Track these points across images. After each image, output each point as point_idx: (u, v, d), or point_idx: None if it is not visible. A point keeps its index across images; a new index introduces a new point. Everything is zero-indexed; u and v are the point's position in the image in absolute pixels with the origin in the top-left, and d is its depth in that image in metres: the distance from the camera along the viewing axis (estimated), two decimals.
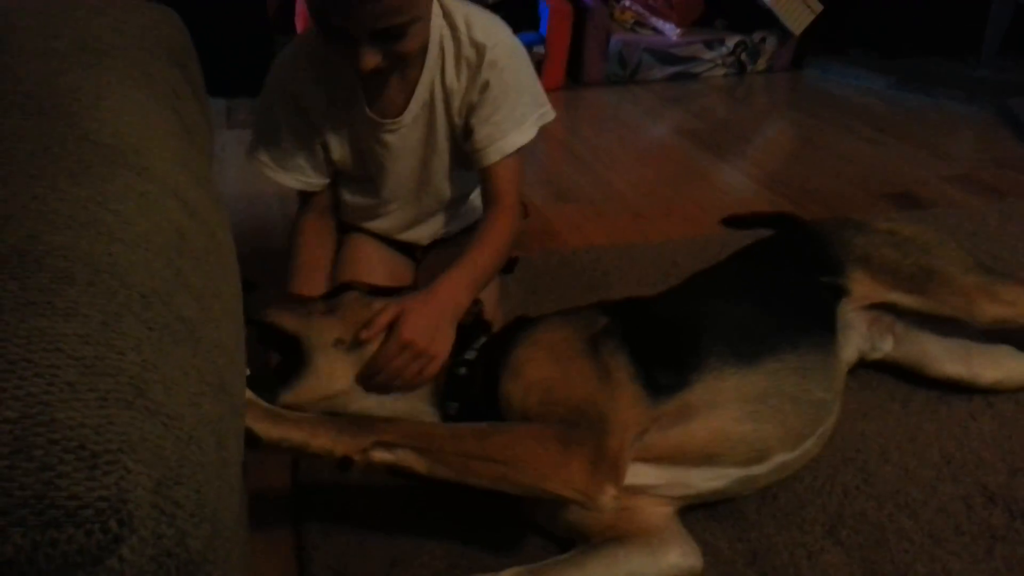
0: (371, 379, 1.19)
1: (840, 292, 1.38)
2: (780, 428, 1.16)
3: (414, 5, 1.23)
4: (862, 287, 1.38)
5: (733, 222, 2.13)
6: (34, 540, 0.45)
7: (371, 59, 1.24)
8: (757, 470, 1.16)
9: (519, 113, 1.42)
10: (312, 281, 1.47)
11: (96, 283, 0.60)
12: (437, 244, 1.66)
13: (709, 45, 3.71)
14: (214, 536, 0.55)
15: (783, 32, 3.76)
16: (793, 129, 3.20)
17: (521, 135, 1.43)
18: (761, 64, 3.85)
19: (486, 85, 1.38)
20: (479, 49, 1.36)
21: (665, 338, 1.20)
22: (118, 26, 1.14)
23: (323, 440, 1.03)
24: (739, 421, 1.14)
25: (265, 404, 1.06)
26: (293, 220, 1.61)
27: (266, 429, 1.02)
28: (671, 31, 3.66)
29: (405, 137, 1.45)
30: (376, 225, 1.61)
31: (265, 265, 1.91)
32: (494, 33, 1.38)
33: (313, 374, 1.17)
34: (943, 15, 3.79)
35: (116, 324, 0.58)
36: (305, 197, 1.57)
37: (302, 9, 3.12)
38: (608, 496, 1.04)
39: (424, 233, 1.63)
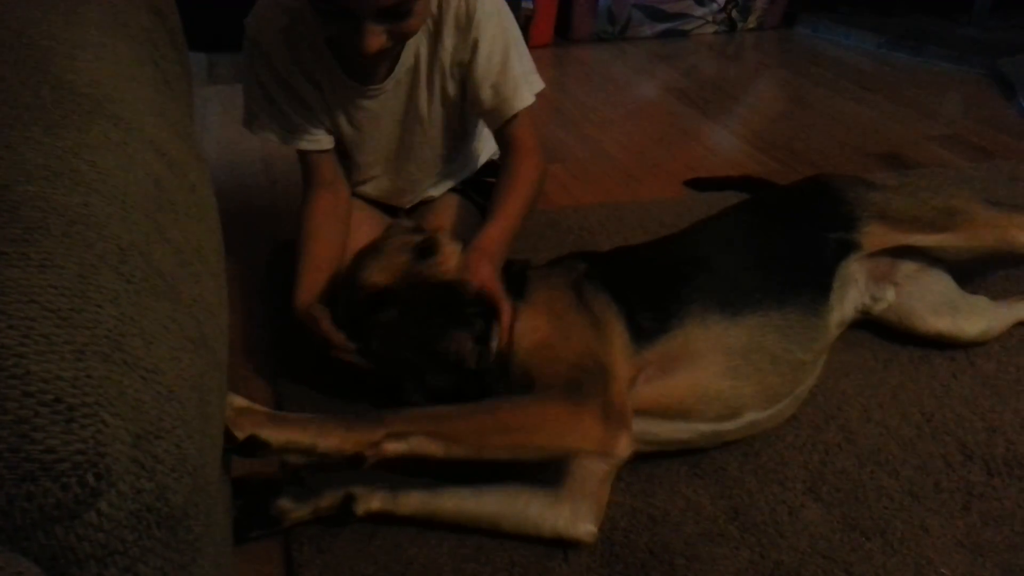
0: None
1: (848, 247, 1.36)
2: (757, 387, 1.17)
3: None
4: (875, 238, 1.37)
5: (698, 184, 2.13)
6: (9, 494, 0.45)
7: (375, 39, 1.20)
8: (727, 426, 1.18)
9: (520, 70, 1.41)
10: (315, 285, 1.39)
11: (72, 234, 0.59)
12: (412, 212, 1.65)
13: (700, 1, 3.66)
14: (195, 491, 0.55)
15: None
16: (782, 88, 3.17)
17: (529, 91, 1.42)
18: (751, 21, 3.80)
19: (477, 44, 1.36)
20: (469, 8, 1.34)
21: (648, 282, 1.22)
22: None
23: (332, 439, 0.99)
24: (718, 376, 1.15)
25: (264, 409, 1.02)
26: (302, 194, 1.51)
27: (272, 434, 0.96)
28: None
29: (384, 103, 1.42)
30: (360, 191, 1.59)
31: (247, 223, 1.89)
32: None
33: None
34: None
35: (93, 276, 0.57)
36: (309, 165, 1.49)
37: None
38: (623, 444, 1.06)
39: (407, 199, 1.62)
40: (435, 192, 1.63)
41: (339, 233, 1.47)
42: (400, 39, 1.27)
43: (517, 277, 1.28)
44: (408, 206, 1.64)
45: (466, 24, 1.35)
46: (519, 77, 1.41)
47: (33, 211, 0.59)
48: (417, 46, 1.37)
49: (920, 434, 1.27)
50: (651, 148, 2.47)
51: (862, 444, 1.25)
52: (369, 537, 1.09)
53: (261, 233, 1.86)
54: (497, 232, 1.33)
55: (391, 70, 1.38)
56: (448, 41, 1.37)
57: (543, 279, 1.25)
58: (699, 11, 3.68)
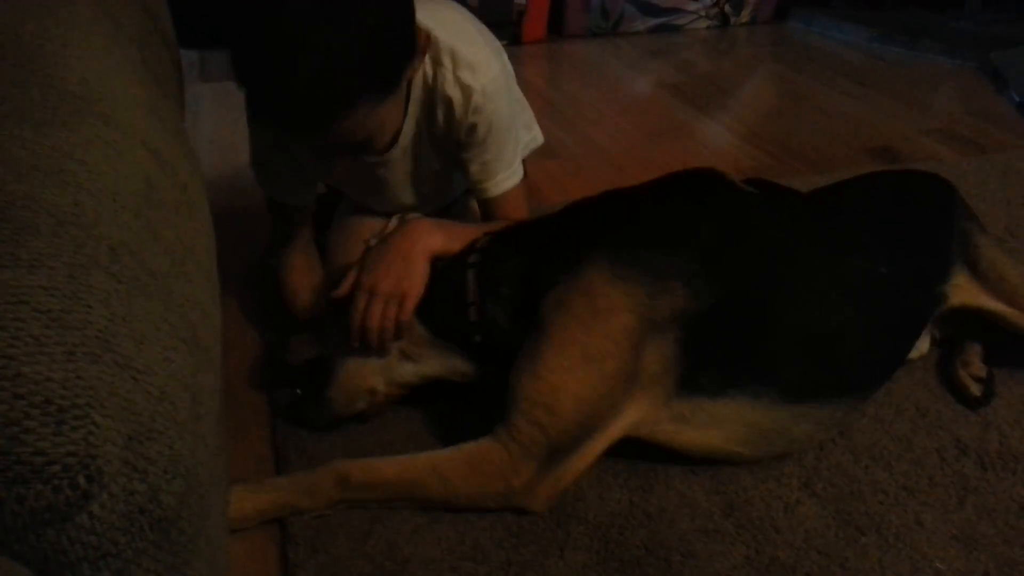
0: (363, 341, 1.20)
1: (938, 302, 1.29)
2: (757, 454, 1.17)
3: (376, 113, 1.15)
4: (961, 293, 1.30)
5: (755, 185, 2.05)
6: (0, 497, 0.44)
7: (342, 163, 1.25)
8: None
9: (507, 157, 1.38)
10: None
11: (62, 234, 0.59)
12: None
13: None
14: (188, 492, 0.55)
15: None
16: (775, 83, 3.18)
17: (510, 178, 1.39)
18: (744, 16, 3.80)
19: (472, 128, 1.32)
20: (464, 91, 1.28)
21: (741, 334, 1.11)
22: None
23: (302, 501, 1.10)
24: (731, 443, 1.14)
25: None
26: (276, 234, 1.60)
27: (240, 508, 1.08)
28: None
29: (395, 169, 1.41)
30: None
31: (239, 221, 1.89)
32: (481, 72, 1.28)
33: (336, 385, 1.23)
34: None
35: (83, 276, 0.56)
36: (290, 218, 1.54)
37: None
38: (541, 504, 1.10)
39: (422, 212, 1.63)
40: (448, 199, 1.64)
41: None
42: (373, 152, 1.29)
43: (568, 267, 1.12)
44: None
45: (462, 104, 1.29)
46: (508, 162, 1.38)
47: (23, 211, 0.58)
48: (417, 120, 1.34)
49: (915, 428, 1.27)
50: (644, 143, 2.47)
51: (857, 439, 1.25)
52: (365, 536, 1.08)
53: (254, 231, 1.85)
54: (427, 222, 1.31)
55: (393, 142, 1.35)
56: (442, 118, 1.32)
57: (610, 292, 1.08)
58: (692, 6, 3.68)
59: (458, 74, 1.27)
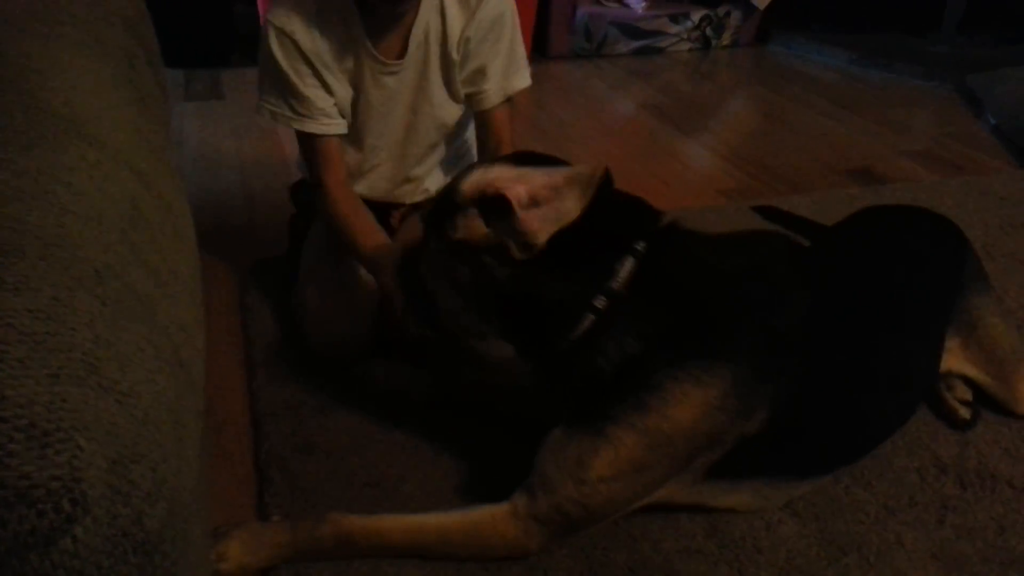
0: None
1: (936, 365, 1.29)
2: (755, 509, 1.17)
3: None
4: (950, 360, 1.31)
5: (767, 213, 2.00)
6: None
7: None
8: None
9: (517, 56, 1.47)
10: (378, 237, 1.43)
11: (47, 257, 0.59)
12: (416, 208, 1.64)
13: (674, 19, 3.71)
14: (171, 515, 0.54)
15: (747, 6, 3.76)
16: (756, 104, 3.21)
17: (521, 79, 1.48)
18: (726, 39, 3.85)
19: (484, 25, 1.41)
20: None
21: (779, 440, 1.06)
22: None
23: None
24: (735, 504, 1.14)
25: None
26: (320, 199, 1.47)
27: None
28: (637, 4, 3.65)
29: (402, 80, 1.46)
30: (361, 186, 1.58)
31: (224, 239, 1.89)
32: None
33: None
34: None
35: (68, 299, 0.56)
36: (321, 152, 1.45)
37: None
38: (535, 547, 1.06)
39: (407, 191, 1.62)
40: (431, 187, 1.63)
41: (373, 220, 1.48)
42: None
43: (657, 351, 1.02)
44: (407, 201, 1.63)
45: (476, 1, 1.40)
46: (520, 58, 1.48)
47: (8, 233, 0.58)
48: (427, 21, 1.41)
49: (894, 448, 1.28)
50: (628, 163, 2.49)
51: None
52: (348, 560, 1.08)
53: (239, 250, 1.85)
54: None
55: (404, 47, 1.42)
56: (454, 14, 1.41)
57: (690, 413, 1.00)
58: (674, 28, 3.72)
59: None
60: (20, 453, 0.46)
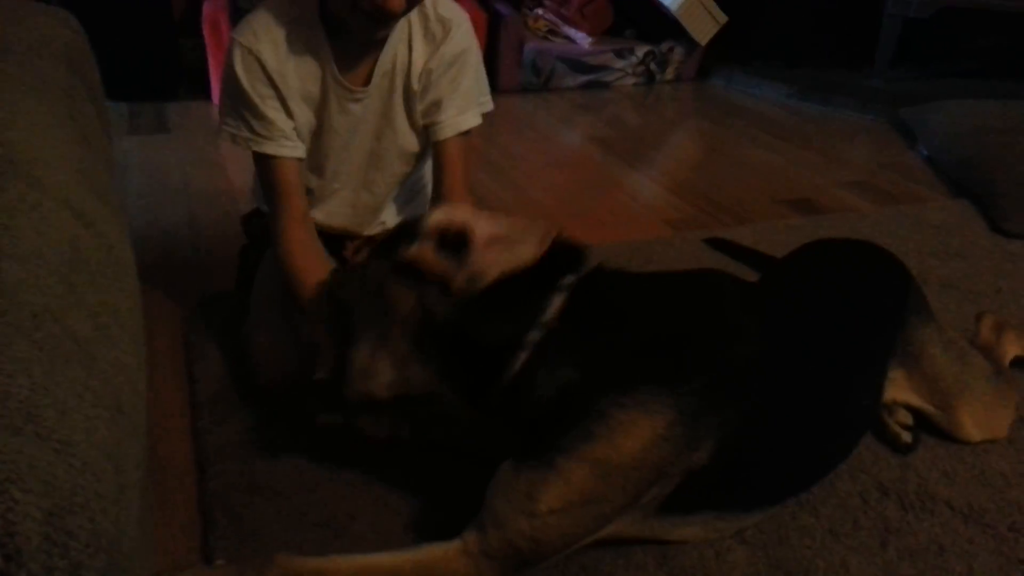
0: None
1: (879, 396, 1.32)
2: (705, 540, 1.18)
3: None
4: (893, 389, 1.34)
5: (717, 245, 2.06)
6: None
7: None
8: None
9: (475, 94, 1.51)
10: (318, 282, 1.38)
11: None
12: (370, 240, 1.63)
13: (619, 54, 3.79)
14: (111, 566, 0.53)
15: (690, 42, 3.87)
16: (699, 137, 3.29)
17: (473, 117, 1.51)
18: (669, 73, 3.95)
19: (446, 59, 1.45)
20: (444, 24, 1.44)
21: (725, 471, 1.07)
22: (12, 30, 1.09)
23: None
24: (685, 536, 1.15)
25: None
26: (271, 229, 1.45)
27: None
28: (583, 40, 3.72)
29: (367, 107, 1.47)
30: (319, 213, 1.57)
31: (170, 276, 1.86)
32: (458, 13, 1.47)
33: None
34: (840, 28, 3.97)
35: (4, 346, 0.55)
36: (278, 179, 1.43)
37: (209, 12, 3.04)
38: None
39: (365, 222, 1.62)
40: (388, 220, 1.63)
41: (327, 266, 1.44)
42: (413, 2, 1.33)
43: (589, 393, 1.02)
44: (364, 233, 1.63)
45: (441, 36, 1.44)
46: (475, 97, 1.51)
47: None
48: (394, 52, 1.44)
49: (838, 473, 1.30)
50: (576, 195, 2.52)
51: None
52: None
53: (185, 286, 1.82)
54: None
55: (369, 75, 1.44)
56: (419, 47, 1.45)
57: (630, 420, 1.00)
58: (619, 63, 3.80)
59: (439, 11, 1.45)
60: None
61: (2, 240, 0.66)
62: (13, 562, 0.45)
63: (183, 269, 1.92)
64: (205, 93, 3.21)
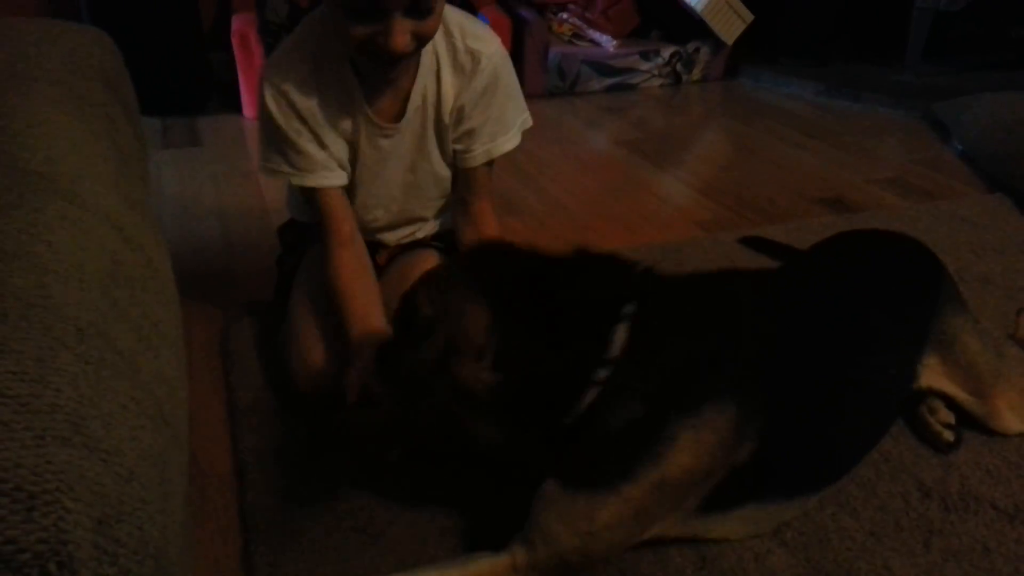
0: None
1: (911, 380, 1.31)
2: (745, 536, 1.17)
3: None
4: (928, 375, 1.32)
5: (752, 243, 2.06)
6: None
7: (402, 35, 1.24)
8: None
9: (508, 120, 1.49)
10: (369, 318, 1.38)
11: (29, 317, 0.59)
12: (402, 247, 1.66)
13: (645, 56, 3.77)
14: (158, 572, 0.54)
15: (716, 42, 3.84)
16: (728, 137, 3.27)
17: (508, 141, 1.50)
18: (696, 74, 3.92)
19: (478, 91, 1.43)
20: (474, 56, 1.42)
21: (764, 464, 1.07)
22: (48, 50, 1.12)
23: None
24: (727, 533, 1.15)
25: None
26: (323, 254, 1.47)
27: None
28: (608, 43, 3.71)
29: (397, 142, 1.47)
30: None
31: (205, 287, 1.88)
32: (488, 42, 1.43)
33: None
34: (868, 23, 3.92)
35: (51, 360, 0.57)
36: (325, 207, 1.45)
37: (238, 27, 3.08)
38: None
39: (398, 236, 1.64)
40: (419, 233, 1.65)
41: (373, 289, 1.45)
42: (421, 41, 1.31)
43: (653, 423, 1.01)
44: (395, 243, 1.65)
45: (471, 68, 1.42)
46: (510, 121, 1.49)
47: None
48: (424, 86, 1.43)
49: (879, 474, 1.29)
50: (604, 199, 2.51)
51: None
52: None
53: (220, 298, 1.84)
54: None
55: (403, 111, 1.44)
56: (449, 80, 1.43)
57: (698, 439, 1.01)
58: (645, 65, 3.78)
59: (467, 42, 1.41)
60: (6, 517, 0.46)
61: (45, 256, 0.68)
62: (66, 569, 0.46)
63: (218, 280, 1.95)
64: (236, 106, 3.25)
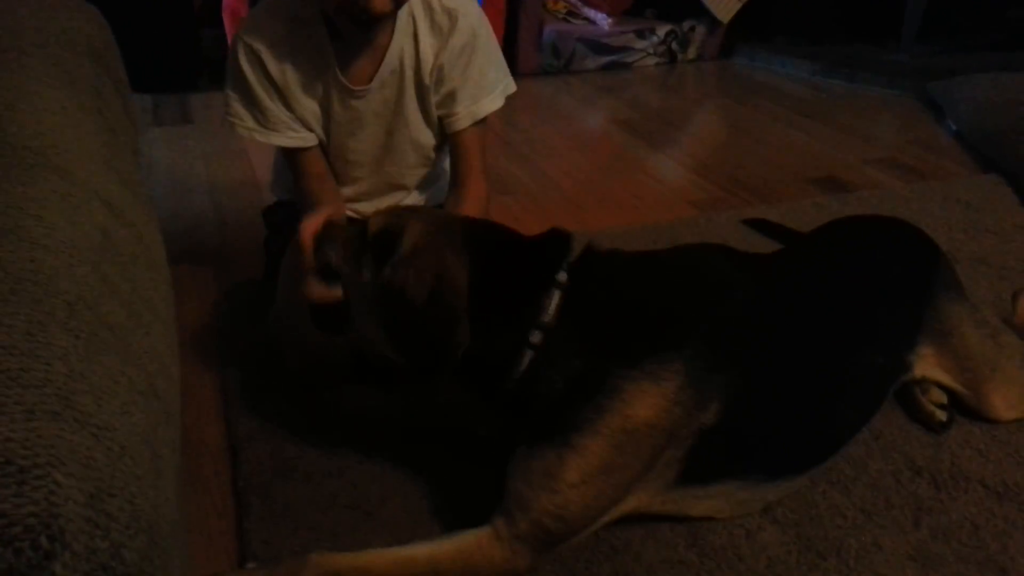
0: None
1: (901, 369, 1.30)
2: (730, 516, 1.18)
3: None
4: (923, 365, 1.32)
5: (756, 225, 2.06)
6: None
7: None
8: None
9: (490, 80, 1.48)
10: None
11: (19, 291, 0.59)
12: None
13: (640, 34, 3.75)
14: (151, 546, 0.54)
15: (712, 21, 3.82)
16: (723, 117, 3.26)
17: (491, 102, 1.49)
18: (691, 53, 3.90)
19: (457, 49, 1.42)
20: (451, 15, 1.41)
21: (741, 434, 1.10)
22: (38, 25, 1.11)
23: None
24: (709, 511, 1.15)
25: None
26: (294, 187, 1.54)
27: None
28: (603, 20, 3.69)
29: (372, 103, 1.46)
30: (346, 191, 1.59)
31: (197, 264, 1.88)
32: (464, 2, 1.43)
33: None
34: (864, 3, 3.90)
35: (41, 334, 0.56)
36: (296, 162, 1.48)
37: (229, 3, 3.05)
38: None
39: (377, 206, 1.63)
40: (405, 202, 1.64)
41: (338, 195, 1.50)
42: (399, 1, 1.31)
43: (596, 374, 1.04)
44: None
45: (448, 27, 1.41)
46: (492, 81, 1.48)
47: None
48: (401, 49, 1.42)
49: (869, 452, 1.30)
50: (598, 178, 2.51)
51: None
52: None
53: (212, 275, 1.84)
54: None
55: (375, 72, 1.43)
56: (427, 40, 1.42)
57: (640, 390, 1.03)
58: (640, 44, 3.77)
59: (444, 2, 1.41)
60: None
61: (35, 231, 0.67)
62: (57, 542, 0.46)
63: (209, 257, 1.94)
64: None
